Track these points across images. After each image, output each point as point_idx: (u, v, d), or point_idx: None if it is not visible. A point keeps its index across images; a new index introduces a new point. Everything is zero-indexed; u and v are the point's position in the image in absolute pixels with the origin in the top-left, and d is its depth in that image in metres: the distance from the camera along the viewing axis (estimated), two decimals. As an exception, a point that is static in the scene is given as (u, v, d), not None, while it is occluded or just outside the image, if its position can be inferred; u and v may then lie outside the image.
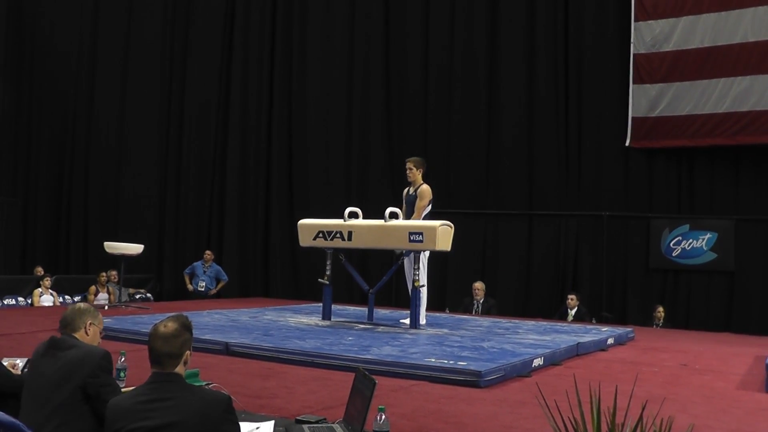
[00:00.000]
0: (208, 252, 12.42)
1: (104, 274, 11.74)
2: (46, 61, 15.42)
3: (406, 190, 7.99)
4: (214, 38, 13.90)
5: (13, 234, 15.03)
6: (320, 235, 7.64)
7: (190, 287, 12.13)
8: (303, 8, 13.27)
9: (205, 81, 13.94)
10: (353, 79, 12.80)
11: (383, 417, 3.09)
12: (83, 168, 14.89)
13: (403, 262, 7.69)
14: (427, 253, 7.49)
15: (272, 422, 3.56)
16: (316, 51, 13.11)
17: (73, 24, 15.24)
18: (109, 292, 11.59)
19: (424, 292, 7.45)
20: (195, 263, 12.37)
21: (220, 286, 12.29)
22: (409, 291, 7.50)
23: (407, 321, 7.44)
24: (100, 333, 3.56)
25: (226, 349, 5.80)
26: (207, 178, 13.80)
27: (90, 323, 3.46)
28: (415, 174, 7.78)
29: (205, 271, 12.19)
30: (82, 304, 3.61)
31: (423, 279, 7.39)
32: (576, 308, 10.15)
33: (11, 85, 15.36)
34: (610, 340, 7.37)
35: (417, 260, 7.24)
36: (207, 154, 13.83)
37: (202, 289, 12.06)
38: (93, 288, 11.66)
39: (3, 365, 3.76)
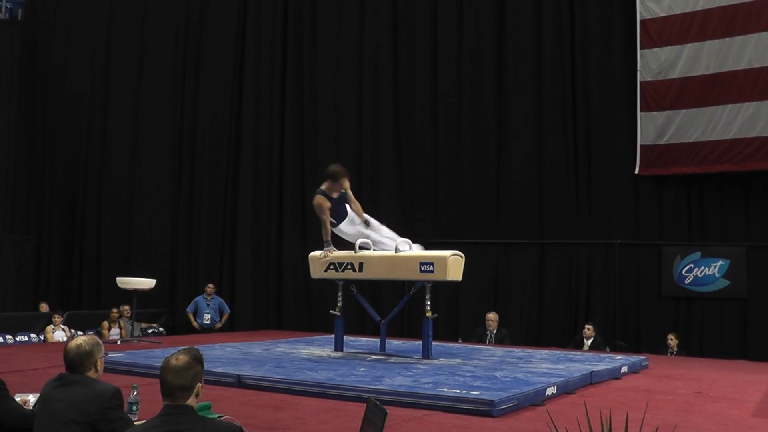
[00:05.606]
0: (210, 285, 12.38)
1: (116, 309, 11.79)
2: (58, 99, 15.63)
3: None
4: (225, 69, 14.03)
5: (26, 271, 15.11)
6: (331, 266, 7.64)
7: (195, 324, 12.04)
8: (312, 37, 13.41)
9: (216, 115, 14.08)
10: (363, 113, 12.90)
11: (395, 447, 3.08)
12: (96, 204, 15.02)
13: (413, 293, 7.67)
14: None
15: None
16: (326, 83, 13.23)
17: (85, 61, 15.47)
18: (120, 327, 11.62)
19: None
20: (196, 298, 12.34)
21: (224, 318, 12.28)
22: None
23: None
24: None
25: (239, 382, 5.80)
26: (218, 212, 13.88)
27: (99, 359, 3.47)
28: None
29: (208, 304, 12.18)
30: (83, 343, 3.45)
31: None
32: (592, 338, 10.08)
33: (25, 123, 15.58)
34: (624, 369, 7.32)
35: (428, 291, 7.25)
36: (219, 189, 13.92)
37: (208, 322, 12.00)
38: (105, 323, 11.71)
39: (15, 401, 3.78)
